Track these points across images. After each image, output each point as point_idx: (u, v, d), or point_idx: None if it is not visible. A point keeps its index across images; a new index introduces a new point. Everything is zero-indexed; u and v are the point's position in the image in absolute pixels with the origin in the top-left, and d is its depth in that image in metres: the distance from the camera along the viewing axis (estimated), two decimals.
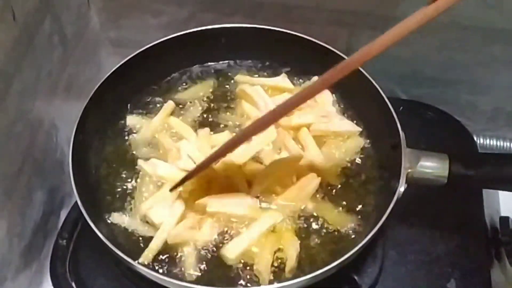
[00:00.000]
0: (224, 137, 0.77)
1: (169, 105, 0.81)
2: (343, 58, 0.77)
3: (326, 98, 0.82)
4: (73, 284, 0.73)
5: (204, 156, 0.68)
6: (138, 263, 0.65)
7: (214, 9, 0.90)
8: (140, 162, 0.74)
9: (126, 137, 0.79)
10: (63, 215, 0.81)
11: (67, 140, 0.71)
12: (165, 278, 0.62)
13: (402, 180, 0.67)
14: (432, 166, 0.68)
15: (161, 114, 0.80)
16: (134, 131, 0.79)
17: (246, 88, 0.81)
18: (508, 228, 0.79)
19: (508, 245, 0.77)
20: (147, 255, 0.67)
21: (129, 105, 0.82)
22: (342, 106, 0.82)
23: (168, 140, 0.76)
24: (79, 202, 0.65)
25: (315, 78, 0.82)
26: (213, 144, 0.75)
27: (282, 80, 0.83)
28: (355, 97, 0.81)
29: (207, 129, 0.78)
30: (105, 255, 0.72)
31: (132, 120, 0.80)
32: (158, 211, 0.69)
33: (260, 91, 0.81)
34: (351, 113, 0.81)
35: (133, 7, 0.93)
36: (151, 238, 0.68)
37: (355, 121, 0.80)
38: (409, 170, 0.68)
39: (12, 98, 0.70)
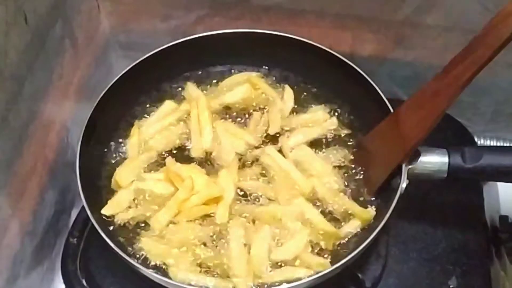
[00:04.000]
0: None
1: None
2: (345, 62, 0.79)
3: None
4: (84, 282, 0.74)
5: None
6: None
7: (222, 14, 0.90)
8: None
9: None
10: (74, 214, 0.83)
11: (78, 141, 0.72)
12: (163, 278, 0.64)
13: (404, 176, 0.68)
14: (432, 161, 0.70)
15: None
16: None
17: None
18: (507, 227, 0.80)
19: (508, 243, 0.78)
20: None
21: (137, 107, 0.83)
22: (343, 113, 0.82)
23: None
24: (85, 204, 0.68)
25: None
26: None
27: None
28: (355, 100, 0.81)
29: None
30: (115, 253, 0.74)
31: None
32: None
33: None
34: (353, 117, 0.82)
35: (142, 11, 0.93)
36: None
37: (355, 124, 0.81)
38: (410, 166, 0.69)
39: (25, 100, 0.71)
